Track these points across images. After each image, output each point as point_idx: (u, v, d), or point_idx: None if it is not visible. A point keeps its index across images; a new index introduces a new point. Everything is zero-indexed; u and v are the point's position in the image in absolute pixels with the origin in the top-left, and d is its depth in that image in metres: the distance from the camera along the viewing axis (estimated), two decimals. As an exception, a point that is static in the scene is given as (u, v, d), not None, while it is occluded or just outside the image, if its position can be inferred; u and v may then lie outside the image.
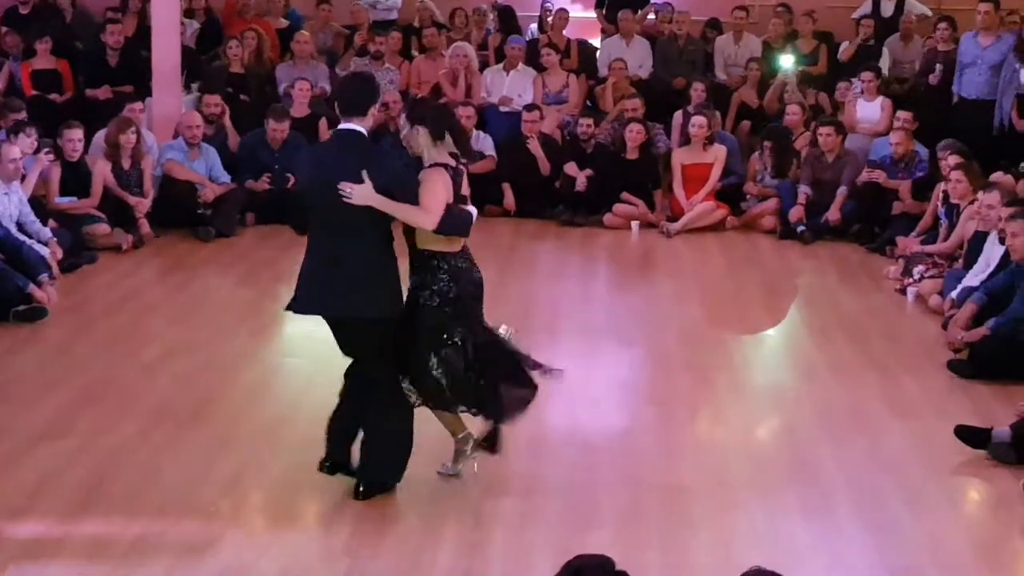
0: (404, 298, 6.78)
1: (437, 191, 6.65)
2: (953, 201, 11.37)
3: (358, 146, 6.69)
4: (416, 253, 6.79)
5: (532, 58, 15.42)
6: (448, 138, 6.79)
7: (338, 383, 6.92)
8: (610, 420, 8.43)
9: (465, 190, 6.88)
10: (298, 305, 6.84)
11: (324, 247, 6.73)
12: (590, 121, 14.08)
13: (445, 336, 6.75)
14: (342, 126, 6.73)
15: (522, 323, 10.16)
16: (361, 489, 6.81)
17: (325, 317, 6.84)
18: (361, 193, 6.49)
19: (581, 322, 10.44)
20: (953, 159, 11.71)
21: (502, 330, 7.04)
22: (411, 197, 6.60)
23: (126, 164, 12.55)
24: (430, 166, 6.75)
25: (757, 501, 7.04)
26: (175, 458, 7.44)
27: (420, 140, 6.77)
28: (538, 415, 8.32)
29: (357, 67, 14.81)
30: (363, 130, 6.70)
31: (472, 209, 6.90)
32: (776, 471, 7.46)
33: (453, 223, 6.69)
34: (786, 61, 15.20)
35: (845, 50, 15.67)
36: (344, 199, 6.48)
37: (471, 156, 7.10)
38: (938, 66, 14.71)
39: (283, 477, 7.21)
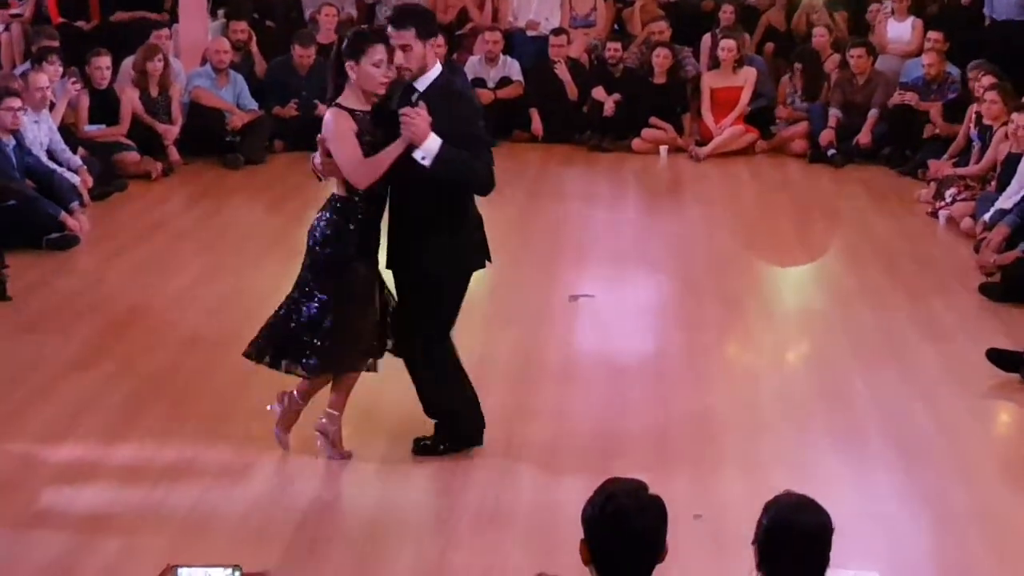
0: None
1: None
2: (986, 122, 11.27)
3: None
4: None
5: (560, -19, 15.29)
6: None
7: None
8: (639, 346, 8.44)
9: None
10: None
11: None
12: (618, 45, 13.98)
13: None
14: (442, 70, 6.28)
15: (551, 248, 10.24)
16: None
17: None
18: None
19: (610, 248, 10.43)
20: (987, 79, 11.61)
21: None
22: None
23: (154, 92, 12.55)
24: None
25: (787, 426, 7.05)
26: (207, 385, 7.49)
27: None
28: (568, 340, 8.37)
29: (383, -9, 14.73)
30: None
31: None
32: (806, 396, 7.47)
33: None
34: (813, -18, 15.04)
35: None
36: None
37: None
38: (971, -15, 14.54)
39: (315, 404, 7.22)
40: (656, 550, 3.77)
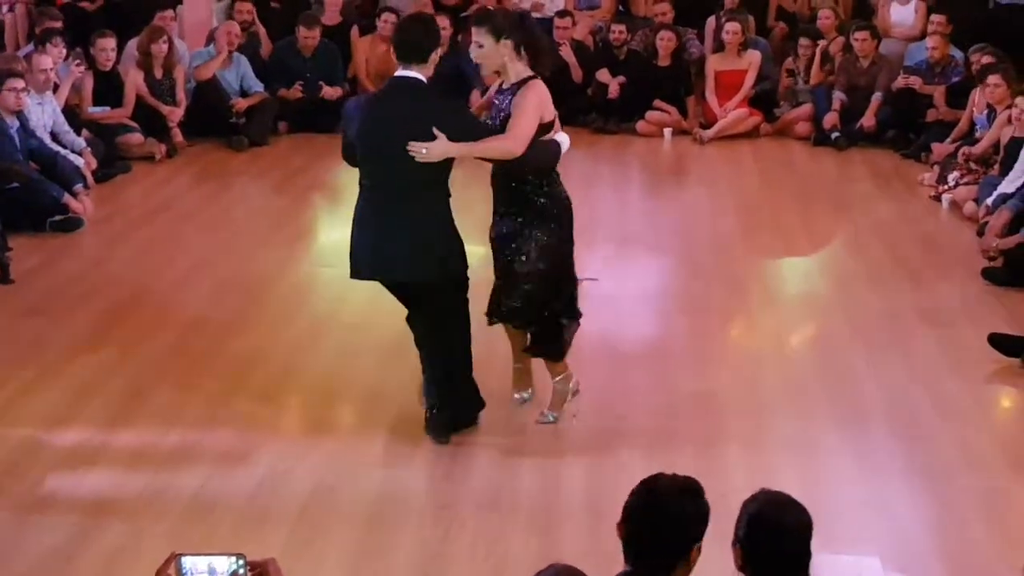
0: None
1: (529, 113, 6.30)
2: (991, 104, 11.25)
3: (420, 98, 6.26)
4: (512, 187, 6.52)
5: (564, -37, 15.26)
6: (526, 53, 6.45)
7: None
8: (643, 328, 8.45)
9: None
10: (362, 270, 6.45)
11: (384, 208, 6.28)
12: (622, 27, 13.95)
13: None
14: (400, 73, 6.28)
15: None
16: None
17: (392, 281, 6.51)
18: (438, 149, 6.13)
19: (614, 230, 10.42)
20: (989, 62, 11.60)
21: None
22: (484, 135, 6.33)
23: (158, 73, 12.54)
24: (528, 79, 6.40)
25: (789, 409, 7.07)
26: (211, 368, 7.51)
27: (504, 55, 6.39)
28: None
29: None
30: (423, 78, 6.25)
31: (562, 137, 6.56)
32: (808, 379, 7.48)
33: (537, 154, 6.37)
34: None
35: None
36: (417, 159, 6.11)
37: (548, 69, 6.60)
38: (974, -32, 14.49)
39: (318, 386, 7.28)
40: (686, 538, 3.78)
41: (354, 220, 6.43)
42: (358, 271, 6.47)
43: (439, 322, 6.50)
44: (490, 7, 14.44)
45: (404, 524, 5.87)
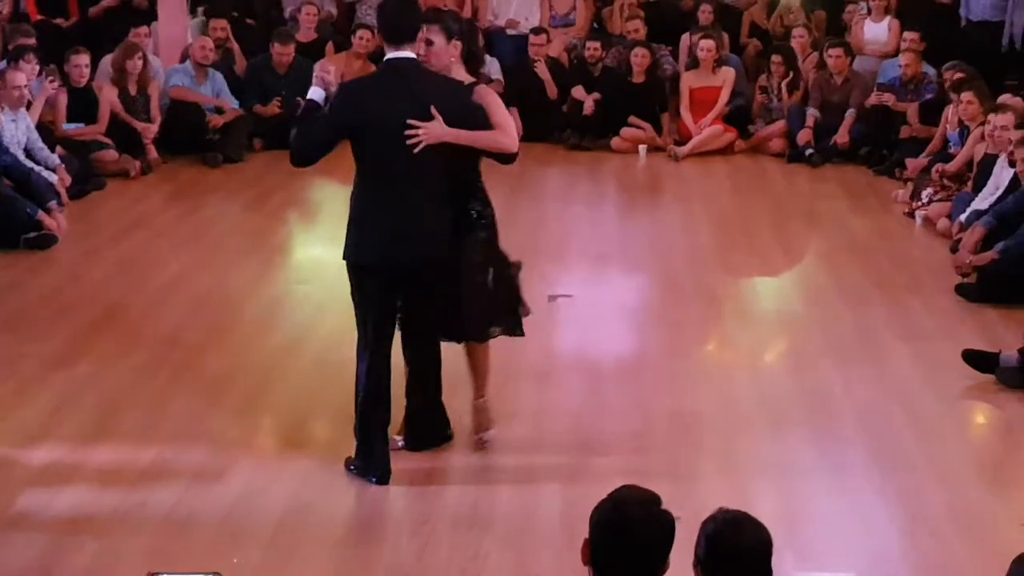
0: None
1: (504, 111, 6.37)
2: (964, 121, 11.31)
3: (425, 75, 6.20)
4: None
5: (540, -21, 15.29)
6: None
7: (348, 308, 6.79)
8: (618, 345, 8.46)
9: None
10: (360, 254, 6.21)
11: (407, 188, 6.14)
12: (597, 44, 14.00)
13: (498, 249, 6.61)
14: (393, 55, 6.13)
15: (530, 248, 10.18)
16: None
17: (395, 266, 6.22)
18: (434, 131, 6.04)
19: (589, 247, 10.45)
20: (961, 78, 11.66)
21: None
22: (483, 123, 6.26)
23: (133, 90, 12.52)
24: (474, 84, 6.42)
25: (764, 426, 7.07)
26: (186, 385, 7.48)
27: (453, 56, 6.40)
28: (546, 340, 8.37)
29: (364, -11, 14.73)
30: (415, 56, 6.18)
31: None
32: (783, 395, 7.48)
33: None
34: (788, -17, 15.07)
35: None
36: (414, 139, 6.02)
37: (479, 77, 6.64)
38: (948, -15, 14.58)
39: (294, 403, 7.26)
40: (656, 565, 3.77)
41: (367, 205, 6.19)
42: (378, 258, 6.18)
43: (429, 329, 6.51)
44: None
45: (380, 541, 5.86)
